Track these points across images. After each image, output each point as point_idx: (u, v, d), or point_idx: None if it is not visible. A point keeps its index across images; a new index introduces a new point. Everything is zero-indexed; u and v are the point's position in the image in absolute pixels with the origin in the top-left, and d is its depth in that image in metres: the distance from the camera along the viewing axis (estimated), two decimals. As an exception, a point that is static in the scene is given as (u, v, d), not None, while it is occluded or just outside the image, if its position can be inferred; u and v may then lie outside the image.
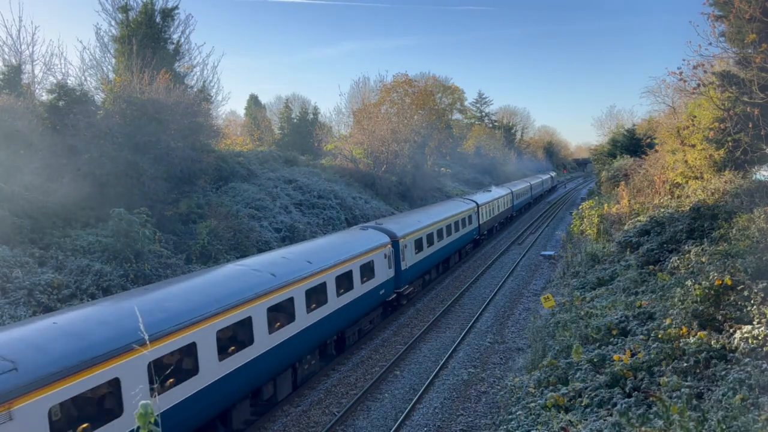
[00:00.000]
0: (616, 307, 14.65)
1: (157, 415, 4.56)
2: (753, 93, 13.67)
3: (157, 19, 33.41)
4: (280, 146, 54.95)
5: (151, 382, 9.96)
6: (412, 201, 54.41)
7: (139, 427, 3.23)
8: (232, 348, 12.62)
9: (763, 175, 20.28)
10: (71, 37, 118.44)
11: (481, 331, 20.87)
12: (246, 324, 13.02)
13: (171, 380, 10.54)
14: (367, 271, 19.85)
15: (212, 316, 11.86)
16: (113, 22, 33.55)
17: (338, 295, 17.47)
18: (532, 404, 10.78)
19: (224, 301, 12.45)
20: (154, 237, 22.59)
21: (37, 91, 27.43)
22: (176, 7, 34.30)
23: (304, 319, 15.36)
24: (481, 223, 38.54)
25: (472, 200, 38.78)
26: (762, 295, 11.11)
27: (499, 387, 15.33)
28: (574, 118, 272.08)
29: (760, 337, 9.90)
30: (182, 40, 35.54)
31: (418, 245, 25.45)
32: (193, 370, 11.21)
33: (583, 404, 10.07)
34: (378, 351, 19.37)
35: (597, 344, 12.71)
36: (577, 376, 11.28)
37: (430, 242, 27.15)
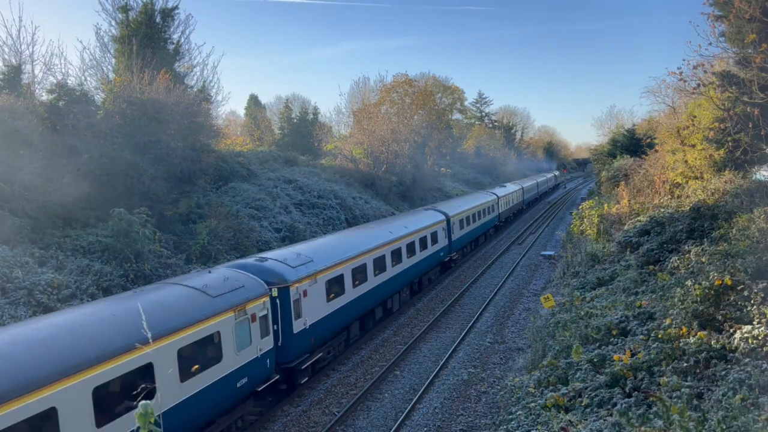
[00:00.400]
0: (616, 307, 14.65)
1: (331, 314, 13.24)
2: (753, 93, 13.67)
3: (157, 19, 33.38)
4: (280, 146, 54.95)
5: (351, 280, 18.85)
6: (412, 201, 54.41)
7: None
8: (377, 271, 21.16)
9: (763, 175, 20.28)
10: (71, 37, 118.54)
11: (481, 331, 20.87)
12: (383, 259, 21.73)
13: (357, 281, 19.37)
14: (434, 238, 28.32)
15: (370, 250, 20.71)
16: (113, 22, 33.54)
17: (420, 250, 26.03)
18: (532, 404, 10.78)
19: (376, 242, 21.55)
20: (154, 237, 22.58)
21: (37, 91, 27.39)
22: (176, 7, 34.29)
23: (405, 262, 24.05)
24: (500, 212, 46.45)
25: (493, 193, 46.55)
26: (762, 295, 11.11)
27: (499, 387, 15.33)
28: (574, 118, 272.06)
29: (760, 337, 9.90)
30: (182, 40, 35.54)
31: (461, 224, 33.60)
32: (365, 278, 20.11)
33: (583, 404, 10.07)
34: (378, 351, 19.37)
35: (597, 344, 12.71)
36: (577, 376, 11.28)
37: (468, 223, 35.32)
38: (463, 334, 20.37)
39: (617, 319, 13.48)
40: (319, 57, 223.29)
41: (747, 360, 9.57)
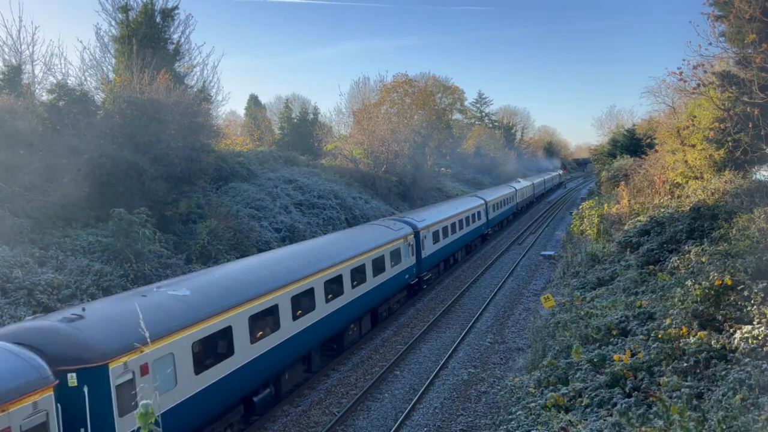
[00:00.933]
0: (616, 307, 14.65)
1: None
2: (753, 93, 13.67)
3: (157, 19, 33.34)
4: (280, 146, 54.94)
5: (442, 234, 29.07)
6: (412, 201, 54.42)
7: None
8: (451, 232, 30.76)
9: (763, 175, 20.28)
10: (71, 37, 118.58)
11: (481, 331, 20.87)
12: (454, 225, 31.40)
13: (444, 236, 29.18)
14: (478, 216, 37.86)
15: (448, 218, 30.84)
16: (113, 22, 33.50)
17: (472, 223, 35.63)
18: (532, 404, 10.78)
19: (450, 213, 31.55)
20: (154, 237, 22.57)
21: (37, 91, 27.38)
22: (176, 7, 34.23)
23: (465, 229, 33.67)
24: (518, 201, 56.51)
25: (512, 186, 56.51)
26: (762, 295, 11.10)
27: (499, 387, 15.33)
28: (574, 118, 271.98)
29: (760, 337, 9.90)
30: (182, 40, 35.48)
31: (494, 208, 43.57)
32: (447, 235, 29.90)
33: (583, 404, 10.07)
34: (378, 351, 19.38)
35: (597, 344, 12.71)
36: (577, 376, 11.28)
37: (498, 207, 45.37)
38: (463, 334, 20.37)
39: (617, 319, 13.48)
40: (319, 57, 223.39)
41: (747, 360, 9.56)
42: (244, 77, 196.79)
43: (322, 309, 16.49)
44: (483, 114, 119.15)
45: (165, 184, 26.18)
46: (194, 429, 11.29)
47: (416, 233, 25.19)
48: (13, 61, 26.54)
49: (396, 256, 22.64)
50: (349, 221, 38.06)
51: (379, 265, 20.86)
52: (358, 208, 41.28)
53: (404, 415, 14.14)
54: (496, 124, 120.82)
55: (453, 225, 31.07)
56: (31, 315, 15.84)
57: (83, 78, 32.27)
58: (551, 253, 34.32)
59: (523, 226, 50.54)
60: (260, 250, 26.41)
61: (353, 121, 59.23)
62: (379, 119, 55.05)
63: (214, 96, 39.71)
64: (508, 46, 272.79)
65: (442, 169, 73.70)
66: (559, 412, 9.86)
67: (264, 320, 13.74)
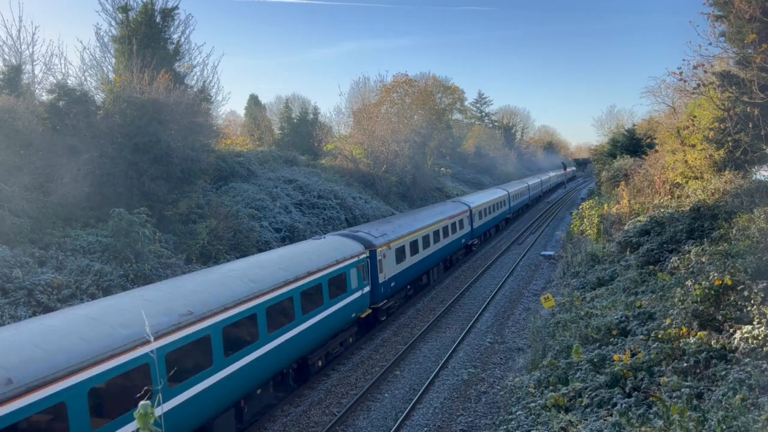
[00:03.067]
0: (616, 307, 14.65)
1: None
2: (753, 93, 13.66)
3: (157, 19, 33.33)
4: (280, 146, 54.91)
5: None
6: (412, 201, 54.40)
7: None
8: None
9: (763, 175, 20.27)
10: (71, 37, 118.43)
11: (481, 331, 20.87)
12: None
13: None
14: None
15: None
16: (113, 22, 33.49)
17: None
18: (532, 404, 10.78)
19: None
20: (154, 237, 22.57)
21: (37, 91, 27.39)
22: (176, 7, 34.22)
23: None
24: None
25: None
26: (762, 295, 11.10)
27: (499, 387, 15.31)
28: (574, 118, 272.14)
29: (760, 337, 9.90)
30: (182, 40, 35.48)
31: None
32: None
33: (583, 404, 10.07)
34: (378, 351, 19.37)
35: (597, 344, 12.71)
36: (577, 376, 11.28)
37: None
38: (463, 334, 20.36)
39: (617, 319, 13.48)
40: (319, 57, 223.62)
41: (747, 360, 9.57)
42: (244, 77, 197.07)
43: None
44: (483, 114, 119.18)
45: (165, 184, 26.17)
46: None
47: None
48: (13, 61, 26.55)
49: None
50: (349, 221, 38.05)
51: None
52: (358, 208, 41.27)
53: (404, 414, 14.14)
54: (496, 124, 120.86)
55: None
56: (31, 315, 15.85)
57: (83, 78, 32.33)
58: (551, 253, 34.31)
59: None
60: (260, 250, 26.41)
61: (353, 121, 59.21)
62: (379, 119, 55.04)
63: (214, 96, 39.74)
64: (508, 46, 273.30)
65: (442, 169, 73.69)
66: (559, 412, 9.86)
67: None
